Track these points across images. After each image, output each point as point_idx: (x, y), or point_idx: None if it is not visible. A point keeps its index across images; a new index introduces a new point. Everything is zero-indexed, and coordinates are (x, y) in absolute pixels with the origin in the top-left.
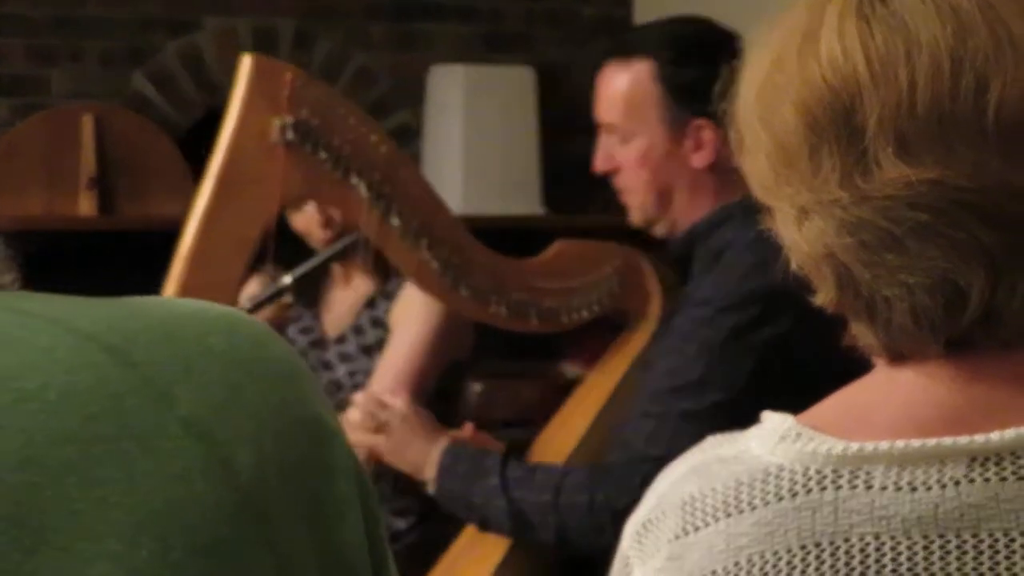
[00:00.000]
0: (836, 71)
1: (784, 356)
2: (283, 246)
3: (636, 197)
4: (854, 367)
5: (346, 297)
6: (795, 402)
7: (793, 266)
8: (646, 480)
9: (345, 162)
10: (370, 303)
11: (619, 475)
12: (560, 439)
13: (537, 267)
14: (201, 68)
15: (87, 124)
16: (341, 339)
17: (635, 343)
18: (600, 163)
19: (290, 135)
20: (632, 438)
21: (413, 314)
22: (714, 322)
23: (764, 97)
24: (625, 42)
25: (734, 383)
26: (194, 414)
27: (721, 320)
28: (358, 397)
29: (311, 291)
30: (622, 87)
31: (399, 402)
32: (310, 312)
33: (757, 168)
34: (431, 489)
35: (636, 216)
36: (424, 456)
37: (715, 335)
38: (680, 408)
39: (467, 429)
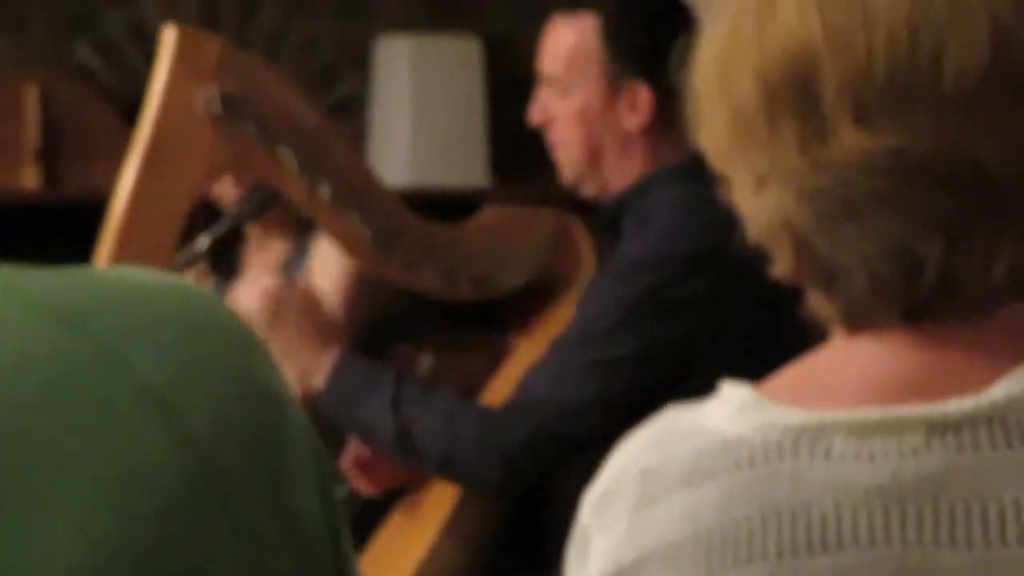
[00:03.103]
0: (794, 39)
1: (698, 318)
2: (213, 220)
3: (567, 152)
4: (784, 334)
5: (263, 263)
6: (712, 365)
7: (750, 235)
8: (539, 423)
9: (272, 132)
10: (286, 266)
11: (513, 415)
12: (492, 403)
13: (468, 233)
14: (146, 38)
15: (30, 94)
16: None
17: (565, 309)
18: (535, 114)
19: (216, 107)
20: (532, 381)
21: (325, 270)
22: (630, 279)
23: (722, 66)
24: None
25: (642, 339)
26: (151, 381)
27: (637, 277)
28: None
29: (228, 259)
30: (566, 40)
31: (299, 294)
32: (228, 283)
33: (714, 137)
34: (319, 397)
35: (566, 172)
36: (315, 361)
37: (629, 291)
38: (585, 356)
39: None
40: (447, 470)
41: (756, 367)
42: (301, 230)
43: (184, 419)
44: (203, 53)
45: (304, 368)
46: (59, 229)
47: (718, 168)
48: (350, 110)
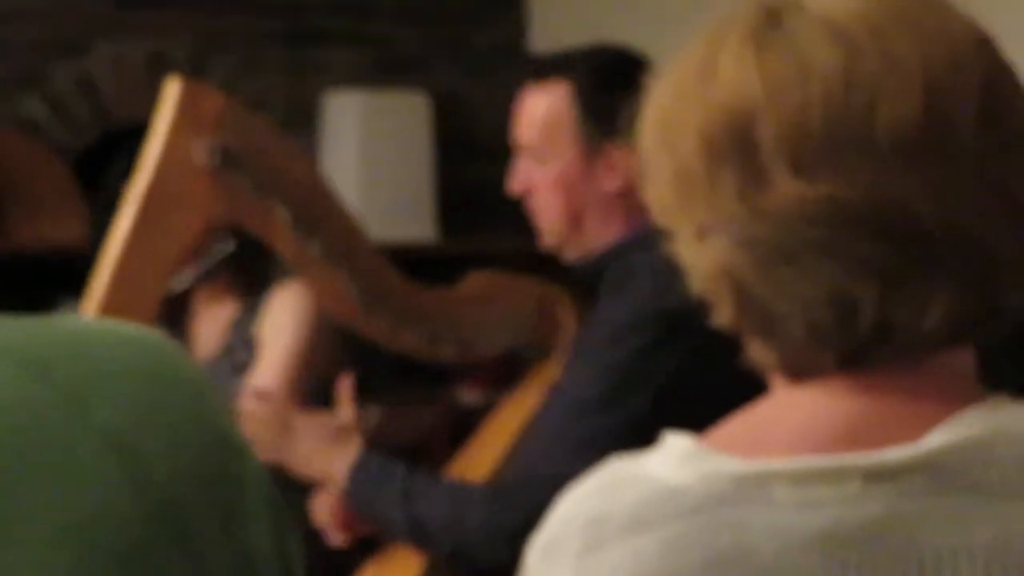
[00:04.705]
0: (734, 93)
1: (685, 378)
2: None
3: (548, 219)
4: (756, 389)
5: (213, 322)
6: (698, 423)
7: (693, 287)
8: (542, 499)
9: (268, 187)
10: (237, 324)
11: (516, 494)
12: (472, 472)
13: (454, 298)
14: (94, 92)
15: None
16: (211, 363)
17: (548, 375)
18: (516, 184)
19: (214, 159)
20: (530, 457)
21: (282, 325)
22: (615, 343)
23: (666, 123)
24: (544, 64)
25: (632, 405)
26: (112, 427)
27: (622, 341)
28: (256, 393)
29: (176, 320)
30: (540, 109)
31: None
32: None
33: (659, 192)
34: (344, 496)
35: (548, 238)
36: (333, 464)
37: (615, 356)
38: (579, 427)
39: (344, 384)
40: (460, 558)
41: None
42: (251, 291)
43: (143, 463)
44: (205, 106)
45: (325, 471)
46: (8, 281)
47: (662, 223)
48: None
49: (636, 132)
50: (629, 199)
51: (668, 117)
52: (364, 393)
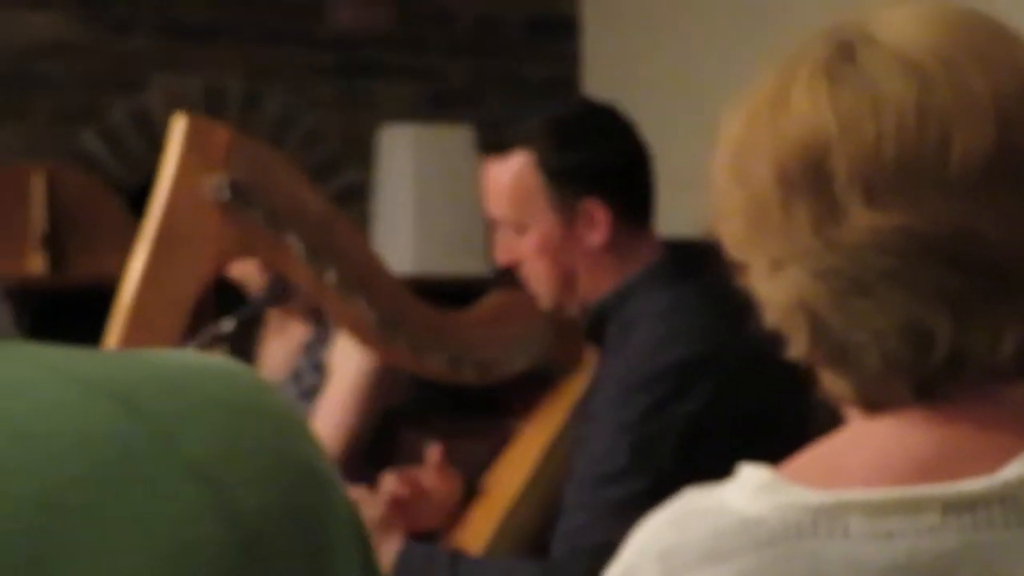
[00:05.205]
0: (807, 127)
1: (707, 425)
2: (222, 304)
3: (541, 285)
4: (788, 421)
5: (282, 345)
6: (730, 465)
7: (767, 319)
8: (590, 570)
9: (280, 219)
10: (307, 348)
11: (565, 568)
12: (500, 494)
13: (473, 319)
14: (150, 127)
15: (37, 182)
16: (279, 387)
17: (570, 392)
18: (500, 257)
19: (225, 194)
20: (568, 530)
21: (348, 359)
22: (628, 403)
23: (738, 156)
24: (501, 137)
25: (659, 465)
26: (198, 459)
27: (636, 400)
28: None
29: (246, 343)
30: (505, 181)
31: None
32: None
33: (732, 225)
34: None
35: (545, 303)
36: (379, 554)
37: (631, 416)
38: (608, 497)
39: (435, 453)
40: None
41: (762, 460)
42: (322, 315)
43: (230, 496)
44: (212, 141)
45: None
46: (65, 314)
47: (735, 255)
48: (353, 199)
49: (605, 182)
50: (617, 248)
51: (740, 150)
52: (423, 427)
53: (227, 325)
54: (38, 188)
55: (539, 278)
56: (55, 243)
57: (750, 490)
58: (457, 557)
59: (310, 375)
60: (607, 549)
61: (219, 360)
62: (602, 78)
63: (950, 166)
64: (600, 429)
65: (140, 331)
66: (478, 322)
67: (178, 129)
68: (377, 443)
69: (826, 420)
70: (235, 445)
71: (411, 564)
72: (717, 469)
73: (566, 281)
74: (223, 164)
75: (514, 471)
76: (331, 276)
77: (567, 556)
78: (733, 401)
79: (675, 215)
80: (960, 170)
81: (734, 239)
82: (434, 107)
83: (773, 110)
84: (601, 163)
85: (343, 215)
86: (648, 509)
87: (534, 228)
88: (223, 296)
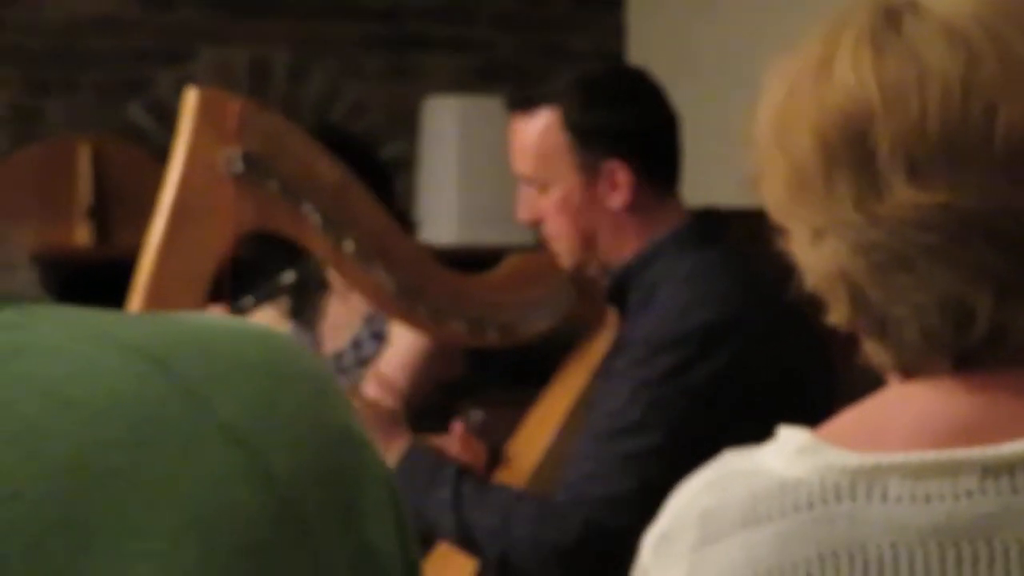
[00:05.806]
0: (850, 97)
1: (727, 389)
2: (239, 276)
3: (562, 244)
4: (812, 386)
5: (345, 311)
6: (750, 430)
7: (807, 285)
8: (588, 520)
9: (295, 189)
10: (369, 319)
11: (563, 514)
12: (523, 459)
13: (494, 282)
14: None
15: (83, 154)
16: (339, 354)
17: (593, 355)
18: (522, 214)
19: (239, 166)
20: (574, 479)
21: (402, 336)
22: (650, 363)
23: (781, 122)
24: (529, 94)
25: (671, 424)
26: (233, 422)
27: (657, 361)
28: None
29: (308, 305)
30: (530, 139)
31: (368, 390)
32: (306, 327)
33: (774, 190)
34: None
35: (565, 261)
36: (383, 452)
37: (651, 375)
38: (619, 450)
39: (456, 429)
40: (506, 566)
41: (787, 424)
42: None
43: (265, 459)
44: (225, 113)
45: None
46: (110, 285)
47: (777, 220)
48: (398, 171)
49: (630, 144)
50: (639, 211)
51: (782, 116)
52: (478, 396)
53: (288, 276)
54: (84, 161)
55: (560, 237)
56: (101, 215)
57: (789, 452)
58: (463, 474)
59: (369, 344)
60: (607, 505)
61: (254, 323)
62: (647, 51)
63: (994, 142)
64: (618, 386)
65: (158, 304)
66: (499, 285)
67: (190, 103)
68: (433, 415)
69: (854, 385)
70: (270, 408)
71: (417, 467)
72: (734, 433)
73: (586, 241)
74: (236, 136)
75: (537, 436)
76: (349, 245)
77: (567, 504)
78: (756, 365)
79: (721, 188)
80: (1004, 145)
81: (776, 204)
82: (479, 79)
83: (817, 77)
84: (625, 125)
85: (358, 183)
86: (655, 466)
87: (556, 186)
88: (242, 274)
